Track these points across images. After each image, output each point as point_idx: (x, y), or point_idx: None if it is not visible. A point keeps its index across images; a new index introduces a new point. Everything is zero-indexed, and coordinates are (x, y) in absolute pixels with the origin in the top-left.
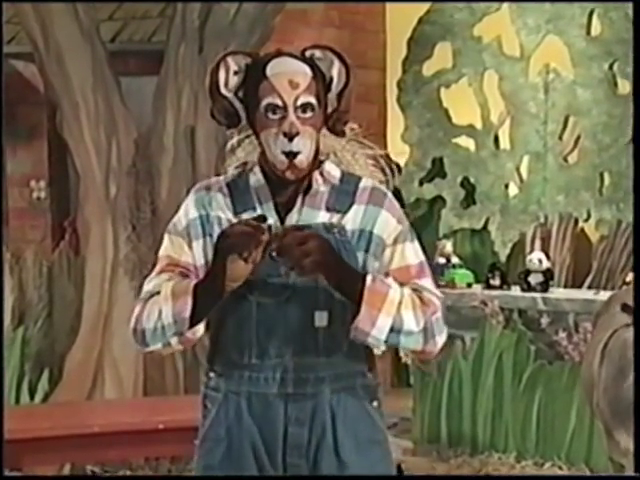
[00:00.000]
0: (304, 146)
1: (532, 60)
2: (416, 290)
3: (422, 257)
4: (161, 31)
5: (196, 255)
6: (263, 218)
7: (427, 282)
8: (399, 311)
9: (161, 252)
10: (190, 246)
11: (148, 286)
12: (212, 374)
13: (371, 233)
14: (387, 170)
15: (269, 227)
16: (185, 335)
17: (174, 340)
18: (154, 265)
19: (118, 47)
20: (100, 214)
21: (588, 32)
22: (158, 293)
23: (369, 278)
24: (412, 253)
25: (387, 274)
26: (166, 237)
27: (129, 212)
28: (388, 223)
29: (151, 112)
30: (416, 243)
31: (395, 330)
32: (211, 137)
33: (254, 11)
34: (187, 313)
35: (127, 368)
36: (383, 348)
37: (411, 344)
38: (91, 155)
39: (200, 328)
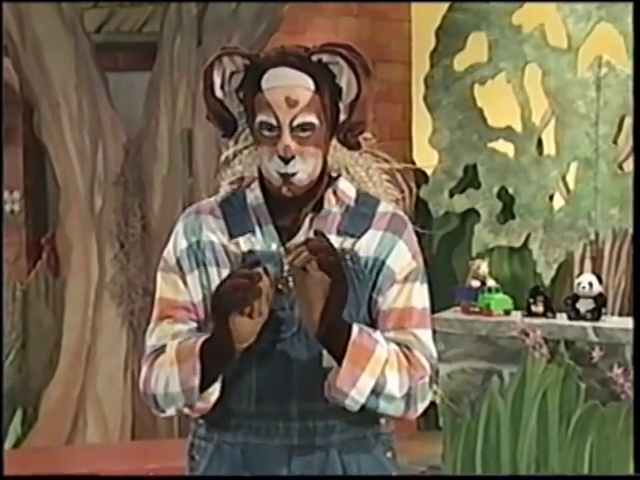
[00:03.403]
0: (304, 166)
1: (581, 52)
2: (407, 346)
3: (427, 304)
4: (154, 20)
5: (192, 291)
6: (257, 262)
7: (426, 335)
8: (383, 371)
9: (157, 294)
10: (185, 282)
11: (151, 340)
12: (201, 420)
13: (383, 263)
14: (404, 186)
15: (265, 270)
16: (195, 406)
17: (186, 410)
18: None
19: (104, 39)
20: (83, 230)
21: None
22: (163, 348)
23: (355, 329)
24: (419, 296)
25: (388, 313)
26: (159, 276)
27: (116, 228)
28: (403, 257)
29: (142, 113)
30: (425, 286)
31: (376, 393)
32: (211, 142)
33: None
34: (195, 381)
35: (113, 407)
36: (356, 409)
37: (390, 410)
38: (73, 162)
39: (213, 392)
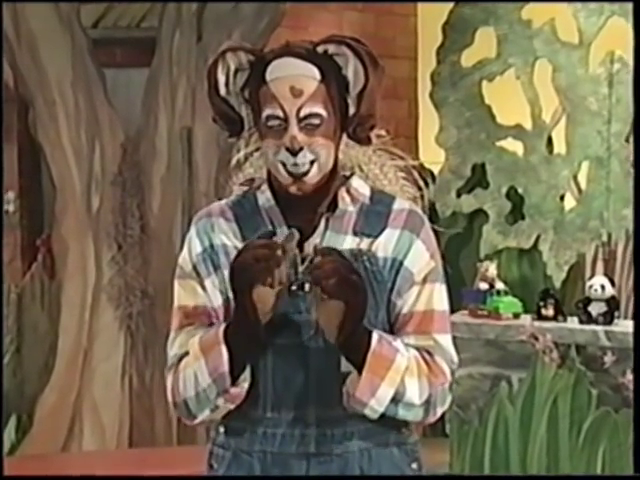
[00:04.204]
0: (313, 158)
1: (593, 47)
2: (428, 351)
3: (447, 305)
4: (152, 15)
5: (211, 295)
6: (272, 234)
7: (446, 339)
8: (403, 379)
9: (175, 303)
10: (203, 287)
11: (172, 349)
12: (221, 428)
13: (401, 264)
14: (421, 183)
15: (285, 238)
16: (230, 392)
17: (220, 401)
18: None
19: (102, 34)
20: (80, 231)
21: None
22: (187, 354)
23: (375, 338)
24: (439, 298)
25: (408, 317)
26: (176, 284)
27: (114, 229)
28: (421, 256)
29: (141, 111)
30: (445, 287)
31: (395, 401)
32: (211, 140)
33: None
34: (224, 367)
35: (110, 414)
36: (375, 417)
37: (410, 417)
38: (70, 161)
39: (245, 378)
